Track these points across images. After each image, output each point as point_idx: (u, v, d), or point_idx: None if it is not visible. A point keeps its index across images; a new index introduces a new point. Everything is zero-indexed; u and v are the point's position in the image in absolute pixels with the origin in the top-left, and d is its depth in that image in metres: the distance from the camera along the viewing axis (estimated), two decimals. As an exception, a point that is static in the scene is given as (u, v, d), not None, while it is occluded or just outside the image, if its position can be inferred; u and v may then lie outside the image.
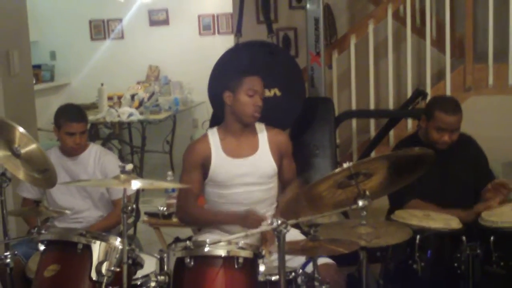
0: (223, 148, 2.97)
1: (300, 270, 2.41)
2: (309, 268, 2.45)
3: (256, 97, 2.93)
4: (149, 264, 2.49)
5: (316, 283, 2.31)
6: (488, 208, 2.93)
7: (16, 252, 2.72)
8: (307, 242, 2.25)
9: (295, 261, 2.61)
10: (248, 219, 2.78)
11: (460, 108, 3.15)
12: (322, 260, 2.63)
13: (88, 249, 2.31)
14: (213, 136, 3.01)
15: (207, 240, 2.25)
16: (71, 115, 3.33)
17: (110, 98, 7.17)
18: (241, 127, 2.99)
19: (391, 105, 4.92)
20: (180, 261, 2.21)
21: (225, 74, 3.26)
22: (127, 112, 6.68)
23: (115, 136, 7.35)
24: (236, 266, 2.19)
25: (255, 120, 2.99)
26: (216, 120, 3.18)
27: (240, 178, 2.94)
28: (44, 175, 2.60)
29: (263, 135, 3.04)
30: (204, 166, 2.96)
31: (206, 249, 2.21)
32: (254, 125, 3.04)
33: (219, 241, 2.25)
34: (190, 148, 3.03)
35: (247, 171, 2.95)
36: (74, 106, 3.53)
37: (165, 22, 7.86)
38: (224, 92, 2.98)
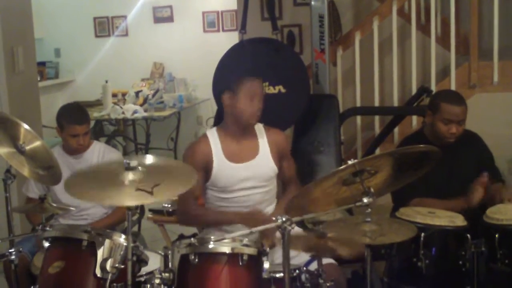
0: (224, 151, 2.91)
1: (304, 268, 2.41)
2: (312, 266, 2.45)
3: (256, 100, 2.85)
4: (154, 261, 2.49)
5: (321, 281, 2.31)
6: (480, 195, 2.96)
7: (21, 249, 2.72)
8: (312, 240, 2.25)
9: (298, 259, 2.61)
10: (251, 219, 2.72)
11: (464, 100, 3.16)
12: (323, 260, 2.63)
13: (92, 245, 2.30)
14: (213, 138, 2.94)
15: (212, 237, 2.25)
16: (73, 118, 3.28)
17: (114, 95, 7.18)
18: (240, 129, 2.93)
19: (395, 102, 4.91)
20: (184, 258, 2.21)
21: (228, 72, 3.23)
22: (131, 109, 6.69)
23: (119, 133, 7.36)
24: (240, 263, 2.19)
25: (254, 123, 2.93)
26: (220, 117, 3.16)
27: (241, 183, 2.89)
28: (49, 172, 2.60)
29: (262, 136, 2.98)
30: (206, 168, 2.89)
31: (211, 246, 2.21)
32: (253, 126, 2.98)
33: (224, 238, 2.25)
34: (190, 150, 2.94)
35: (248, 175, 2.90)
36: (76, 107, 3.50)
37: (170, 19, 7.85)
38: (224, 91, 2.90)
